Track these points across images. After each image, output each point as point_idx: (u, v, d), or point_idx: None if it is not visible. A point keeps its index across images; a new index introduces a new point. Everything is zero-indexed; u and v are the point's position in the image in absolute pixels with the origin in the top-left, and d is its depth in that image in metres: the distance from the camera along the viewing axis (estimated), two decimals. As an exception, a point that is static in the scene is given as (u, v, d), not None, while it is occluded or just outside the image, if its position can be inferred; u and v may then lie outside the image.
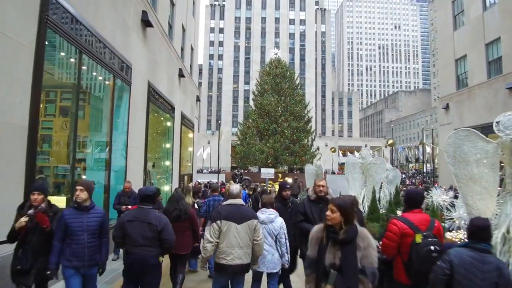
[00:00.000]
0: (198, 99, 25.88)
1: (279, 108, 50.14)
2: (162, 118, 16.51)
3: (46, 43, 6.70)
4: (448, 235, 6.83)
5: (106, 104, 10.15)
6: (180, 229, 5.93)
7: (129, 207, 8.22)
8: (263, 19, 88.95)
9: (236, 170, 34.27)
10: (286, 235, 5.45)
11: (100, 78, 9.84)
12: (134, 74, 11.34)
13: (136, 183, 11.80)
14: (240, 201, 4.97)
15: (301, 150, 49.49)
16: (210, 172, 62.61)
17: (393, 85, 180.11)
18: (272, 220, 5.41)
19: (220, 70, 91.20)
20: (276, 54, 56.68)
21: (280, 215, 5.57)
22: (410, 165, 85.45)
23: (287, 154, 48.86)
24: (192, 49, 23.92)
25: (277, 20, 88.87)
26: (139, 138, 12.16)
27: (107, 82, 9.94)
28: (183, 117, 19.85)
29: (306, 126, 51.68)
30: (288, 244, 5.45)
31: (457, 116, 25.80)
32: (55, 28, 6.61)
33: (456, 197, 10.14)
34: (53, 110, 10.84)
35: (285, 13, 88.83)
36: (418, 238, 3.97)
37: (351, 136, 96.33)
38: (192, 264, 8.31)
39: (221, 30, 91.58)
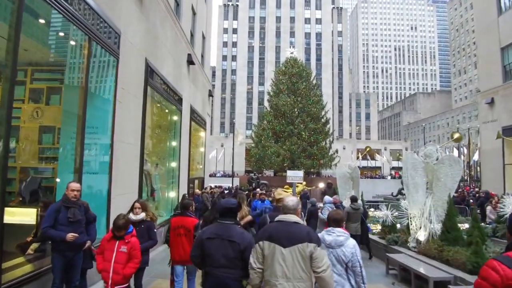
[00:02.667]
0: (210, 94, 23.12)
1: (296, 109, 48.32)
2: (166, 110, 13.77)
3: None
4: None
5: (75, 77, 7.41)
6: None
7: (89, 244, 5.56)
8: (278, 19, 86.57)
9: (253, 174, 31.51)
10: (361, 262, 4.26)
11: (73, 42, 7.10)
12: (125, 46, 8.59)
13: (129, 189, 9.07)
14: (293, 217, 3.83)
15: (319, 152, 47.12)
16: (223, 176, 60.04)
17: (409, 87, 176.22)
18: (341, 243, 4.30)
19: (233, 72, 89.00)
20: (292, 53, 54.31)
21: None
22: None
23: (304, 157, 46.31)
24: (203, 37, 21.23)
25: (292, 19, 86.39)
26: (133, 130, 9.39)
27: (84, 51, 7.18)
28: (193, 111, 17.11)
29: (324, 127, 49.64)
30: (364, 273, 4.25)
31: (504, 111, 22.60)
32: None
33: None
34: (22, 94, 8.32)
35: (300, 12, 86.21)
36: None
37: (369, 138, 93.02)
38: None
39: (235, 31, 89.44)
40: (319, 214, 9.57)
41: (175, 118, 14.45)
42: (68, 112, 7.52)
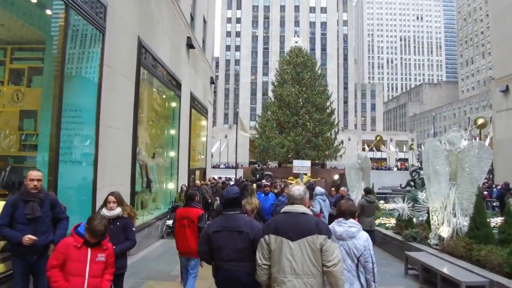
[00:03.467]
0: (212, 81, 22.16)
1: (300, 99, 47.51)
2: (164, 96, 12.86)
3: None
4: None
5: (52, 54, 6.49)
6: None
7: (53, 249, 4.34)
8: (282, 7, 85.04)
9: (257, 165, 30.52)
10: (374, 258, 3.77)
11: (49, 12, 6.20)
12: (112, 20, 7.65)
13: (120, 180, 8.22)
14: (301, 208, 3.47)
15: (324, 143, 46.33)
16: (227, 168, 59.24)
17: (415, 78, 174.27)
18: (353, 234, 3.82)
19: (237, 62, 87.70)
20: (296, 42, 53.20)
21: None
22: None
23: (309, 148, 45.46)
24: (205, 22, 20.23)
25: (296, 8, 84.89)
26: (124, 115, 8.48)
27: (60, 22, 6.25)
28: (193, 98, 16.20)
29: (329, 118, 48.79)
30: (376, 270, 3.77)
31: (521, 99, 21.60)
32: None
33: None
34: (1, 75, 7.55)
35: (305, 0, 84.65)
36: None
37: (375, 129, 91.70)
38: None
39: (238, 20, 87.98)
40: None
41: (173, 104, 13.54)
42: (46, 94, 6.66)
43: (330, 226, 3.86)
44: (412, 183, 28.78)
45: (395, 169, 67.85)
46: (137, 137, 9.12)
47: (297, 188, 3.63)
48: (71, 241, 3.70)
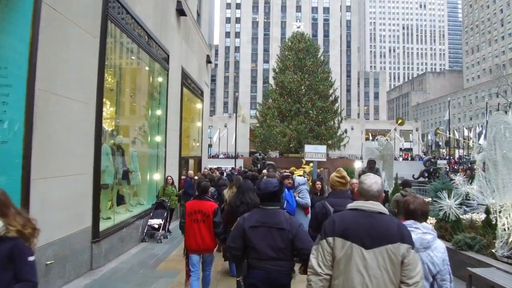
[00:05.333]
0: (209, 60, 19.87)
1: (303, 87, 45.76)
2: (147, 68, 10.63)
3: None
4: None
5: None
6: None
7: None
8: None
9: (258, 154, 28.55)
10: (451, 275, 2.98)
11: None
12: None
13: (75, 169, 6.05)
14: (378, 206, 2.64)
15: (327, 132, 44.46)
16: (227, 158, 57.30)
17: (417, 67, 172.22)
18: (428, 244, 2.97)
19: (237, 49, 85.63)
20: (298, 27, 50.97)
21: None
22: (442, 150, 78.61)
23: (312, 137, 43.53)
24: (199, -8, 17.97)
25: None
26: (81, 80, 6.24)
27: None
28: (185, 76, 13.98)
29: (333, 106, 46.91)
30: None
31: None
32: None
33: None
34: None
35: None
36: None
37: (378, 119, 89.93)
38: None
39: (238, 6, 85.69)
40: (297, 198, 7.39)
41: (160, 79, 11.32)
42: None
43: None
44: (426, 173, 26.87)
45: (400, 159, 66.07)
46: (102, 111, 6.89)
47: (375, 181, 2.72)
48: None
